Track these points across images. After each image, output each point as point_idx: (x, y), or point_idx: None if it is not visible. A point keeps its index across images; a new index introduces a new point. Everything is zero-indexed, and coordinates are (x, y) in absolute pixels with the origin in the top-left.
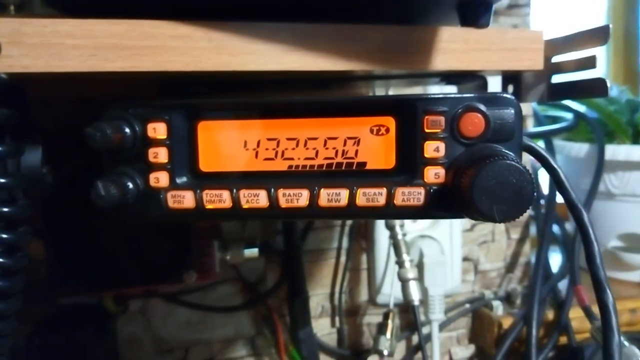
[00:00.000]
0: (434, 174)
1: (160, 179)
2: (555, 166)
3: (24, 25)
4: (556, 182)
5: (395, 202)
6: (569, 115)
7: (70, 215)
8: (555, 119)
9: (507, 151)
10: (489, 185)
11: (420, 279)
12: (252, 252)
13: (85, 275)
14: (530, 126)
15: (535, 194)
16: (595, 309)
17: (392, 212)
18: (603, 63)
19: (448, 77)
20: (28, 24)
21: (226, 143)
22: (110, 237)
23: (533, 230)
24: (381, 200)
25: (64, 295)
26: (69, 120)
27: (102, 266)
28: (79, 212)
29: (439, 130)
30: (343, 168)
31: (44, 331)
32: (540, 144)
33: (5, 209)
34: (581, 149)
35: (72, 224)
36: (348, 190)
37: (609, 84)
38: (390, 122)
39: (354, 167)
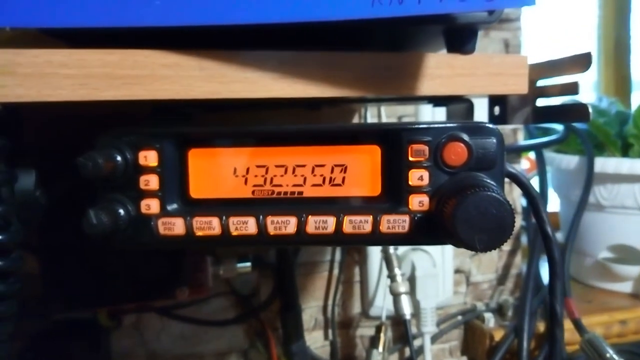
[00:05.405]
0: (418, 202)
1: (151, 205)
2: (535, 195)
3: (18, 56)
4: (534, 211)
5: (380, 229)
6: (559, 127)
7: (64, 231)
8: (546, 131)
9: (489, 181)
10: (470, 216)
11: (412, 291)
12: (245, 266)
13: (79, 291)
14: (521, 138)
15: (514, 224)
16: (585, 321)
17: (377, 239)
18: (594, 74)
19: (436, 99)
20: (21, 54)
21: (216, 170)
22: (104, 253)
23: (524, 240)
24: (367, 228)
25: (57, 312)
26: (63, 137)
27: (96, 283)
28: (73, 229)
29: (422, 159)
30: (330, 195)
31: (38, 346)
32: (531, 156)
33: None
34: (571, 161)
35: (66, 241)
36: (335, 218)
37: (597, 98)
38: (376, 150)
39: (340, 194)
